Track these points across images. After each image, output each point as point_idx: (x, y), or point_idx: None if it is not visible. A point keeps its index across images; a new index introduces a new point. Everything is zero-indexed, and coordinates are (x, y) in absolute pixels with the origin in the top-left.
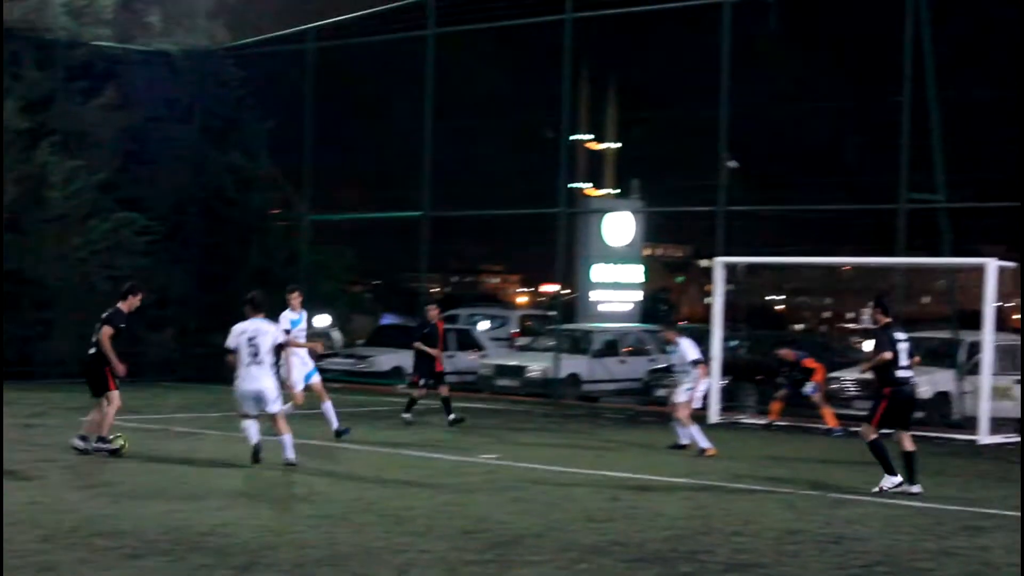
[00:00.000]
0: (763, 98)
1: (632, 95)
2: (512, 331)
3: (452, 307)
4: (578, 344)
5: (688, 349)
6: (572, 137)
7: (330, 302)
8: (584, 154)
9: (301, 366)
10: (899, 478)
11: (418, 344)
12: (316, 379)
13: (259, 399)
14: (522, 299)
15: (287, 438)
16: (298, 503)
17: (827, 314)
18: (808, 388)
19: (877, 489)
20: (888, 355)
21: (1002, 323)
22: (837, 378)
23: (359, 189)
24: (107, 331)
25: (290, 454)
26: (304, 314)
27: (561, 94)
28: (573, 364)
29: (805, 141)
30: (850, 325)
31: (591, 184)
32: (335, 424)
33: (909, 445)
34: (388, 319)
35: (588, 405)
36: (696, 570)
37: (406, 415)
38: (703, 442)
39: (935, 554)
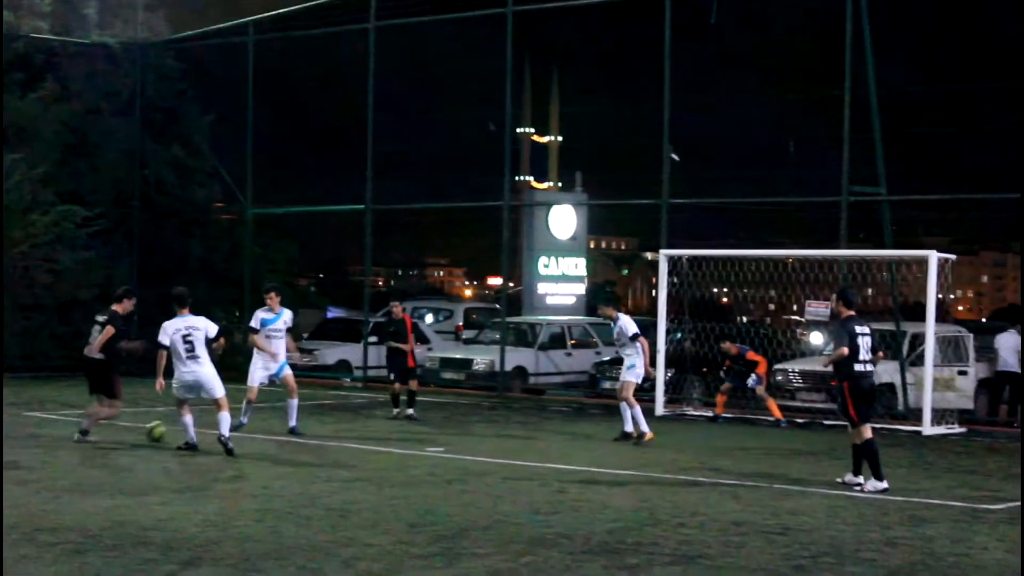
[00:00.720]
0: (706, 91)
1: (575, 88)
2: (457, 324)
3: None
4: (524, 337)
5: (627, 323)
6: (516, 130)
7: None
8: (528, 147)
9: (262, 366)
10: (885, 484)
11: (390, 343)
12: (287, 372)
13: (199, 387)
14: (467, 292)
15: (224, 415)
16: (243, 497)
17: (772, 306)
18: (751, 380)
19: (862, 487)
20: (845, 350)
21: (944, 315)
22: (784, 370)
23: (302, 182)
24: (109, 330)
25: (225, 430)
26: (284, 313)
27: (504, 87)
28: (519, 357)
29: (748, 134)
30: (794, 317)
31: (535, 177)
32: (293, 422)
33: (868, 434)
34: (333, 312)
35: (534, 398)
36: (642, 562)
37: (410, 410)
38: (643, 426)
39: (879, 544)
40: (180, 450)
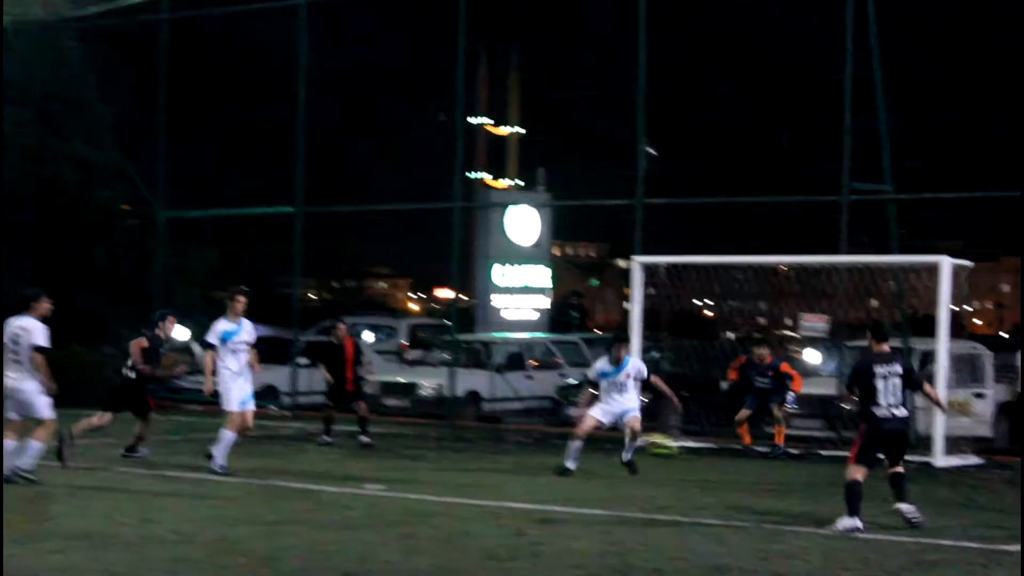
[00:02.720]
0: (686, 76)
1: (538, 73)
2: (401, 343)
3: (331, 316)
4: (478, 357)
5: (640, 366)
6: (469, 120)
7: (190, 311)
8: (483, 140)
9: (238, 386)
10: (859, 523)
11: (324, 372)
12: (251, 405)
13: (17, 402)
14: (413, 306)
15: (36, 445)
16: (151, 545)
17: (762, 320)
18: (791, 398)
19: (834, 528)
20: (849, 396)
21: (958, 329)
22: None
23: (222, 182)
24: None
25: (28, 462)
26: (246, 323)
27: (456, 71)
28: (472, 380)
29: (734, 125)
30: (788, 332)
31: (491, 174)
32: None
33: (896, 468)
34: (258, 331)
35: (489, 427)
36: None
37: (363, 438)
38: (571, 461)
39: None
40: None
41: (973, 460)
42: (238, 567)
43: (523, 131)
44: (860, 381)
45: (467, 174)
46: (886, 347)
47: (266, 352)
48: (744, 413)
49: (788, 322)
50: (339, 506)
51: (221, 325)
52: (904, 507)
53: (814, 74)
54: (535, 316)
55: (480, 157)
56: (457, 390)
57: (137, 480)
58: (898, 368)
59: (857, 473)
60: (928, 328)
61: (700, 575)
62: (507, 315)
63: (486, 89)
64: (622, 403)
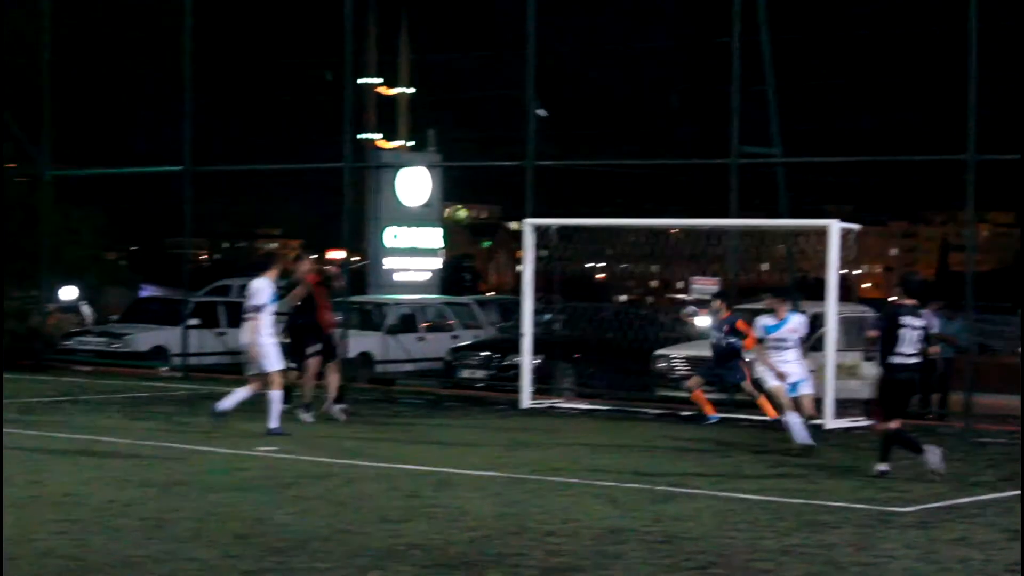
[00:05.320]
0: (577, 40)
1: (428, 33)
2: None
3: (222, 277)
4: (369, 319)
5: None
6: (359, 81)
7: (78, 271)
8: (373, 100)
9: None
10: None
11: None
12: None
13: None
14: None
15: None
16: (42, 506)
17: (653, 283)
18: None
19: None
20: (872, 332)
21: (847, 292)
22: (666, 356)
23: (110, 140)
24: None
25: None
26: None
27: (344, 30)
28: (364, 342)
29: (625, 88)
30: (680, 296)
31: (382, 135)
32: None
33: (893, 425)
34: (147, 291)
35: (382, 389)
36: None
37: (338, 405)
38: (802, 435)
39: (774, 553)
40: None
41: (863, 422)
42: (130, 529)
43: (413, 91)
44: (885, 326)
45: (357, 135)
46: (911, 300)
47: (155, 313)
48: (695, 380)
49: (679, 285)
50: (232, 468)
51: (270, 288)
52: (885, 467)
53: (703, 37)
54: (427, 278)
55: (370, 118)
56: (349, 352)
57: (25, 440)
58: (921, 322)
59: (883, 424)
60: (817, 291)
61: (594, 537)
62: (399, 277)
63: (376, 49)
64: (789, 366)
